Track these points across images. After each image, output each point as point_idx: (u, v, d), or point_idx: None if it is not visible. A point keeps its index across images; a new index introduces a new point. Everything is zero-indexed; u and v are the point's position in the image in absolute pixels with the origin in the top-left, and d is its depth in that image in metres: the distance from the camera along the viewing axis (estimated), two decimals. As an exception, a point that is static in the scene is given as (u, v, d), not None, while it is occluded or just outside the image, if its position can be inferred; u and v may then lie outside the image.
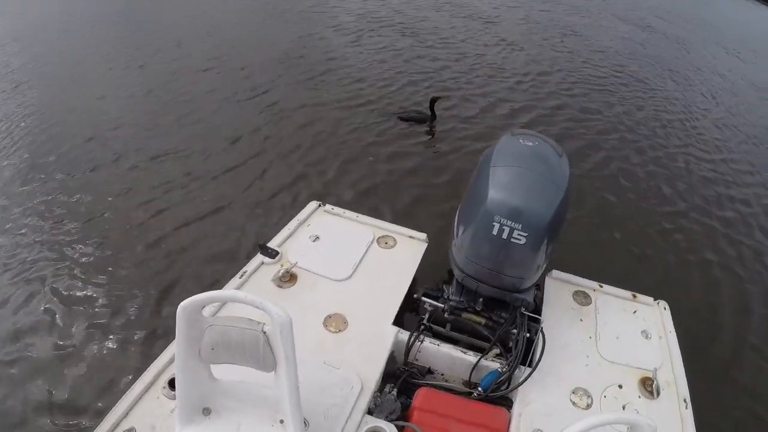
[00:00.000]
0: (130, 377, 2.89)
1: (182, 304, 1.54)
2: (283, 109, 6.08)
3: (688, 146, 6.73)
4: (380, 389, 2.17)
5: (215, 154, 5.17)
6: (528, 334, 2.31)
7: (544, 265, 2.32)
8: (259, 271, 2.52)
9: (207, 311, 2.16)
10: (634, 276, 4.06)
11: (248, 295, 1.57)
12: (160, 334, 3.13)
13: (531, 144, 2.32)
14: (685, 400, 2.28)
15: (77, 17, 9.25)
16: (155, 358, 2.06)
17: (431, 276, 2.71)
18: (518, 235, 2.07)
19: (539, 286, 2.56)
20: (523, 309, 2.33)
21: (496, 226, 2.08)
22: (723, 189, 5.88)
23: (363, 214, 3.01)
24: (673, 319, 2.69)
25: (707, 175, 6.11)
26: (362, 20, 9.22)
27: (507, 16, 10.37)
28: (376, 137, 5.65)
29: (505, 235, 2.08)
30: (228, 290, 1.71)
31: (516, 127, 6.09)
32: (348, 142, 5.49)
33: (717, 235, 5.06)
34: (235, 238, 3.97)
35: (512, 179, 2.14)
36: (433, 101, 6.00)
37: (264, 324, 1.58)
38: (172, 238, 4.04)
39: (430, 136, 5.86)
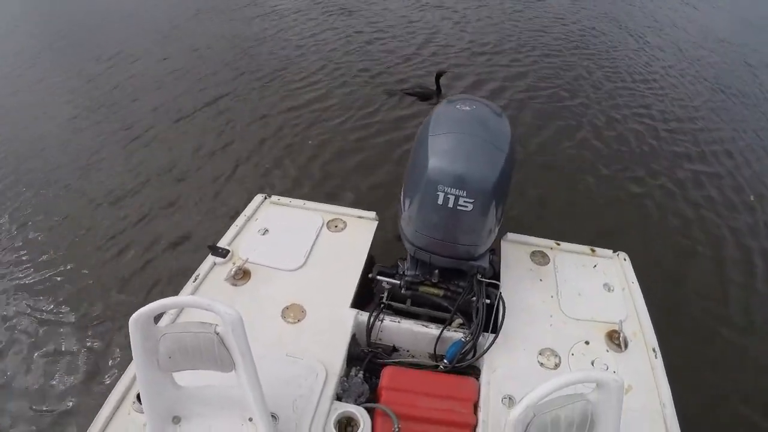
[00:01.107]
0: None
1: (133, 317, 1.52)
2: (228, 112, 6.02)
3: (641, 100, 6.97)
4: (346, 374, 2.14)
5: (158, 157, 5.11)
6: (488, 301, 2.30)
7: (497, 229, 2.30)
8: (212, 272, 2.47)
9: (166, 320, 2.14)
10: (592, 231, 4.13)
11: (195, 299, 1.58)
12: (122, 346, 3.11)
13: (469, 108, 2.27)
14: (654, 349, 2.30)
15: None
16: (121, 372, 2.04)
17: (391, 253, 2.67)
18: (464, 202, 2.04)
19: (494, 251, 2.54)
20: (479, 276, 2.31)
21: (441, 195, 2.04)
22: (679, 145, 6.11)
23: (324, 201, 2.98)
24: (635, 271, 2.70)
25: (661, 130, 6.34)
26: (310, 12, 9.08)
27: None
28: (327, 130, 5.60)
29: (451, 204, 2.05)
30: (176, 297, 1.66)
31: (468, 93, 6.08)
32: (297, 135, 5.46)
33: (673, 188, 5.26)
34: (186, 242, 3.93)
35: (452, 146, 2.09)
36: (438, 75, 6.00)
37: (216, 325, 1.57)
38: (121, 249, 3.99)
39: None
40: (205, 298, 1.55)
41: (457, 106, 2.30)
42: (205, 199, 4.44)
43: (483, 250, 2.29)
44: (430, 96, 6.05)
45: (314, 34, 7.91)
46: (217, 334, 1.56)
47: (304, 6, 9.08)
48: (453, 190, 2.02)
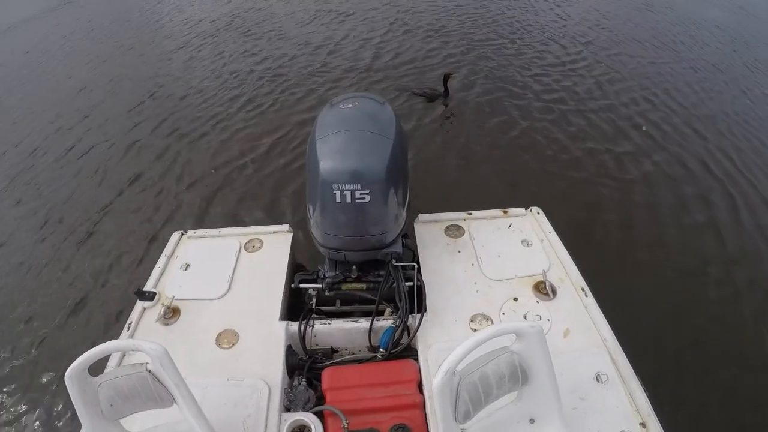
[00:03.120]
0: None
1: (67, 373, 1.55)
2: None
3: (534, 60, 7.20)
4: (290, 385, 2.19)
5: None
6: (411, 283, 2.38)
7: (404, 213, 2.38)
8: (144, 316, 2.47)
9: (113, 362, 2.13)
10: (503, 196, 4.27)
11: (119, 342, 1.65)
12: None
13: (351, 105, 2.36)
14: (582, 289, 2.42)
15: None
16: None
17: (320, 257, 2.72)
18: (361, 194, 2.12)
19: (407, 235, 2.61)
20: (394, 261, 2.38)
21: (337, 193, 2.11)
22: (577, 103, 6.36)
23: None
24: (551, 221, 2.82)
25: (556, 89, 6.61)
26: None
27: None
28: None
29: (349, 199, 2.12)
30: (101, 345, 1.67)
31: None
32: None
33: (574, 142, 5.51)
34: (115, 290, 3.88)
35: (339, 145, 2.18)
36: (446, 77, 6.02)
37: (147, 363, 1.62)
38: (45, 306, 3.91)
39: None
40: (128, 340, 1.58)
41: (340, 106, 2.38)
42: (123, 246, 4.39)
43: (393, 237, 2.36)
44: (437, 97, 6.11)
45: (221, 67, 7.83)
46: (149, 371, 1.61)
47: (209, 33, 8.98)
48: (347, 186, 2.10)
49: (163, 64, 7.87)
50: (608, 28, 8.54)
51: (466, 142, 5.48)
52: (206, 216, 4.45)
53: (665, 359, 3.25)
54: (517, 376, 1.71)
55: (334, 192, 2.11)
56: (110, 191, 5.09)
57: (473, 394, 1.61)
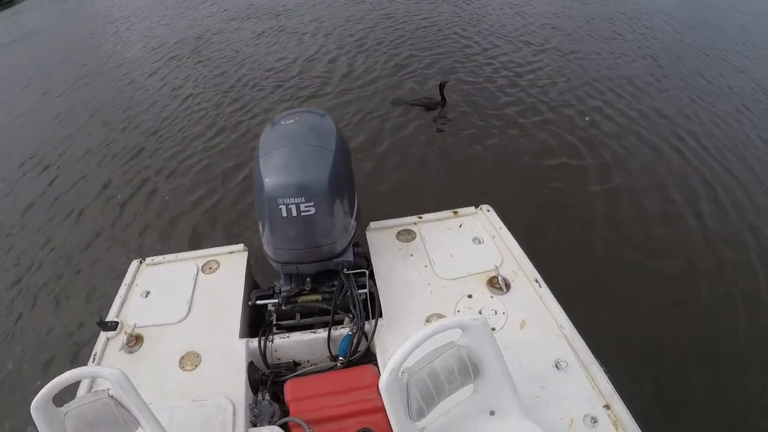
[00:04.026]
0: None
1: (32, 405, 1.56)
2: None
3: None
4: (254, 401, 2.20)
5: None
6: (365, 290, 2.41)
7: (353, 222, 2.42)
8: (108, 346, 2.47)
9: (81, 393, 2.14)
10: (453, 198, 4.32)
11: (80, 370, 1.64)
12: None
13: (292, 121, 2.40)
14: (536, 281, 2.46)
15: None
16: None
17: (272, 276, 2.74)
18: (306, 207, 2.15)
19: (359, 243, 2.65)
20: (345, 270, 2.41)
21: (283, 207, 2.15)
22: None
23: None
24: (501, 218, 2.86)
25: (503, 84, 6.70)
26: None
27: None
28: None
29: (294, 213, 2.16)
30: (63, 374, 1.68)
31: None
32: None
33: (519, 139, 5.62)
34: (78, 325, 3.90)
35: (280, 160, 2.21)
36: (442, 86, 6.00)
37: (108, 389, 1.63)
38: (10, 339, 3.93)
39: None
40: (86, 367, 1.60)
41: (282, 123, 2.42)
42: (82, 279, 4.38)
43: (343, 246, 2.40)
44: (435, 106, 6.11)
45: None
46: (111, 396, 1.63)
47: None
48: (292, 200, 2.14)
49: (121, 92, 7.83)
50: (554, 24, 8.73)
51: (424, 149, 5.55)
52: (165, 242, 4.45)
53: (624, 341, 3.30)
54: (468, 370, 1.73)
55: (280, 207, 2.14)
56: (64, 227, 5.08)
57: (424, 391, 1.64)
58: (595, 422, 1.91)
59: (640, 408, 2.06)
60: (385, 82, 6.92)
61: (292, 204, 2.14)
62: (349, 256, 2.44)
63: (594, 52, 7.67)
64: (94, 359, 2.40)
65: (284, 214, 2.15)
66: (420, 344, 1.59)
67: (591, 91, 6.57)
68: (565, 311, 2.33)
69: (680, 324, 3.56)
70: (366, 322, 2.33)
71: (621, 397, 1.99)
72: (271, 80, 7.32)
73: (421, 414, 1.65)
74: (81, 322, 3.92)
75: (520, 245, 2.67)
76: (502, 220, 2.84)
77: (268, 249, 2.38)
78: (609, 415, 1.93)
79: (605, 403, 1.97)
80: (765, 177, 5.06)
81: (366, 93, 6.70)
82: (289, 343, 2.38)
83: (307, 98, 6.69)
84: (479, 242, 2.71)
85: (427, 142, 5.65)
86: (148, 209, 5.01)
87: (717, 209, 4.63)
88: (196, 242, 4.33)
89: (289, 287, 2.46)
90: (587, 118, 5.94)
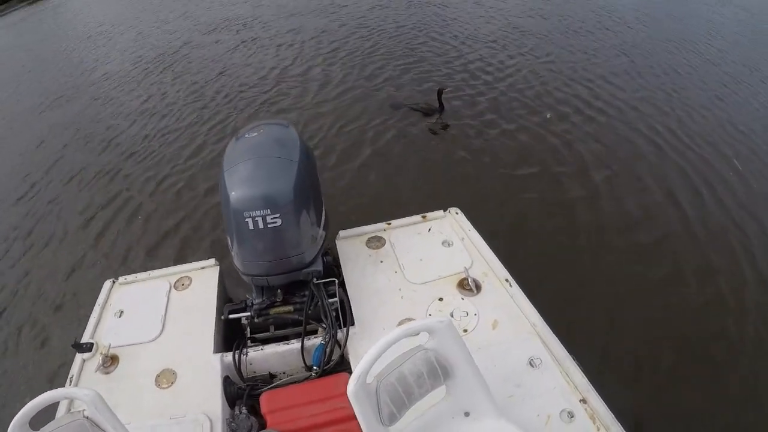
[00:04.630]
0: None
1: (9, 429, 1.55)
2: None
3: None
4: (232, 415, 2.19)
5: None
6: (336, 299, 2.41)
7: (321, 231, 2.43)
8: (84, 368, 2.44)
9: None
10: (422, 202, 4.34)
11: (53, 393, 1.62)
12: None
13: (256, 134, 2.41)
14: (506, 280, 2.46)
15: None
16: None
17: (244, 289, 2.74)
18: (272, 219, 2.15)
19: (328, 252, 2.65)
20: (315, 280, 2.41)
21: (249, 221, 2.15)
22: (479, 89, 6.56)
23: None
24: (471, 220, 2.86)
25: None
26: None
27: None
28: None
29: (261, 225, 2.16)
30: (37, 398, 1.67)
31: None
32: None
33: (493, 142, 5.68)
34: (54, 348, 3.87)
35: (245, 173, 2.22)
36: (439, 92, 5.99)
37: (83, 410, 1.62)
38: None
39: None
40: (60, 389, 1.59)
41: (246, 136, 2.42)
42: (54, 300, 4.37)
43: (312, 256, 2.40)
44: (433, 112, 6.11)
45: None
46: (87, 417, 1.62)
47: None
48: (258, 212, 2.14)
49: (96, 111, 7.79)
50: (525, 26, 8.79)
51: (401, 157, 5.59)
52: (137, 260, 4.46)
53: (597, 335, 3.37)
54: (437, 372, 1.74)
55: (246, 220, 2.15)
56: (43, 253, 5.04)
57: (394, 396, 1.64)
58: (572, 417, 1.92)
59: (618, 404, 2.05)
60: (362, 91, 6.95)
61: (258, 216, 2.14)
62: (319, 266, 2.44)
63: (567, 52, 7.78)
64: (70, 381, 2.37)
65: (251, 226, 2.16)
66: (385, 350, 1.60)
67: (566, 90, 6.67)
68: (539, 310, 2.33)
69: (663, 317, 3.62)
70: (338, 330, 2.33)
71: (597, 391, 1.99)
72: (248, 94, 7.33)
73: (393, 419, 1.66)
74: (59, 344, 3.89)
75: (490, 246, 2.68)
76: (471, 222, 2.85)
77: (237, 262, 2.37)
78: (586, 409, 1.94)
79: (581, 398, 1.97)
80: (747, 169, 5.14)
81: (344, 102, 6.75)
82: (263, 356, 2.37)
83: (283, 110, 6.71)
84: (448, 245, 2.71)
85: (403, 150, 5.69)
86: (125, 230, 4.99)
87: (696, 200, 4.70)
88: (171, 260, 4.32)
89: (260, 300, 2.45)
90: (549, 116, 6.05)
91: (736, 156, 5.32)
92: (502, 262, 2.58)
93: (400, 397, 1.66)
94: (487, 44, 8.13)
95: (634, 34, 8.38)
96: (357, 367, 1.57)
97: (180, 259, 4.23)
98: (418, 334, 1.76)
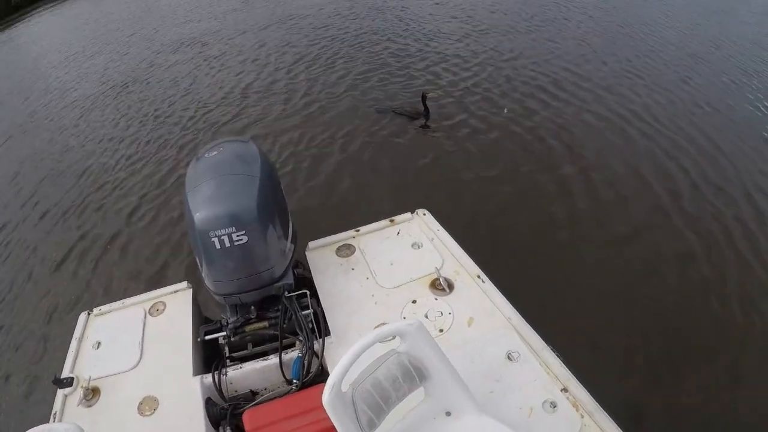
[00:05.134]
0: None
1: None
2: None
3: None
4: None
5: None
6: (310, 310, 2.41)
7: (289, 244, 2.43)
8: (67, 403, 2.41)
9: None
10: (392, 206, 4.34)
11: (36, 430, 1.61)
12: None
13: (215, 153, 2.40)
14: (478, 276, 2.48)
15: None
16: None
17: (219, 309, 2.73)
18: (238, 236, 2.15)
19: (298, 265, 2.67)
20: (287, 293, 2.41)
21: (215, 240, 2.14)
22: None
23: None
24: (439, 220, 2.89)
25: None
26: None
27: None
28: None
29: (228, 243, 2.15)
30: None
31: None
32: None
33: (447, 140, 5.75)
34: (36, 386, 3.81)
35: (207, 193, 2.21)
36: (424, 97, 5.98)
37: None
38: None
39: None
40: (43, 425, 1.57)
41: (206, 156, 2.42)
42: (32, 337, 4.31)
43: (282, 270, 2.40)
44: (418, 116, 6.11)
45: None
46: None
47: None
48: (222, 231, 2.14)
49: (56, 142, 7.68)
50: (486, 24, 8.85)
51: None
52: (110, 291, 4.40)
53: (572, 325, 3.36)
54: (412, 375, 1.75)
55: (212, 239, 2.14)
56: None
57: (371, 402, 1.65)
58: (555, 407, 1.93)
59: (605, 392, 2.07)
60: (326, 102, 6.95)
61: (224, 235, 2.14)
62: (290, 279, 2.44)
63: (530, 47, 7.85)
64: (54, 418, 2.35)
65: (218, 246, 2.15)
66: (357, 357, 1.60)
67: (533, 83, 6.75)
68: (514, 303, 2.35)
69: (643, 303, 3.66)
70: (315, 341, 2.33)
71: (578, 379, 2.01)
72: (214, 114, 7.26)
73: (372, 425, 1.66)
74: (41, 383, 3.84)
75: (460, 244, 2.70)
76: (441, 222, 2.87)
77: (208, 283, 2.37)
78: (568, 398, 1.96)
79: (562, 387, 1.99)
80: (724, 146, 5.23)
81: (311, 113, 6.75)
82: (243, 374, 2.36)
83: (250, 125, 6.68)
84: (418, 247, 2.73)
85: (371, 156, 5.68)
86: (94, 259, 4.93)
87: (669, 184, 4.76)
88: (149, 286, 4.25)
89: (235, 318, 2.45)
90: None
91: (705, 136, 5.41)
92: (474, 259, 2.60)
93: (377, 403, 1.66)
94: (453, 43, 8.20)
95: (594, 23, 8.47)
96: (330, 377, 1.57)
97: (157, 284, 4.19)
98: (392, 338, 1.77)
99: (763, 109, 6.05)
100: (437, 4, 10.04)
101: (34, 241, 5.53)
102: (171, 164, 6.22)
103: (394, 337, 1.77)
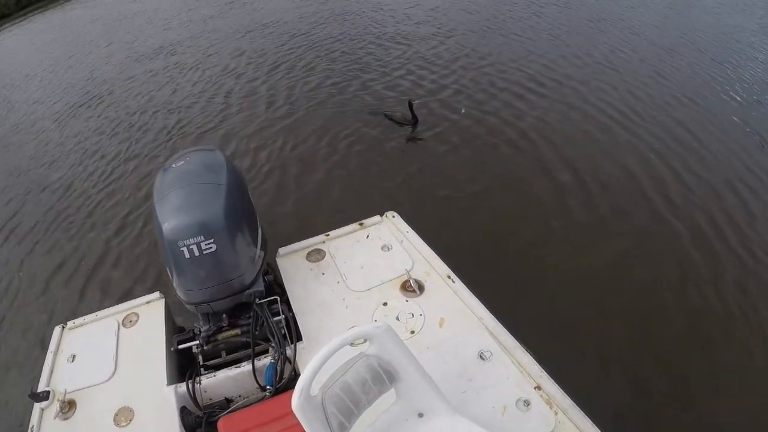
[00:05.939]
0: None
1: None
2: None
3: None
4: None
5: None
6: (281, 316, 2.43)
7: (259, 251, 2.44)
8: (44, 417, 2.41)
9: None
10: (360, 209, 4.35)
11: None
12: None
13: (182, 163, 2.41)
14: (449, 277, 2.50)
15: None
16: None
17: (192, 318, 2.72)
18: (206, 245, 2.16)
19: (269, 271, 2.67)
20: (257, 300, 2.42)
21: (184, 249, 2.15)
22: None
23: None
24: (408, 222, 2.91)
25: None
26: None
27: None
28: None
29: (197, 252, 2.16)
30: None
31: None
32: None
33: (425, 142, 5.77)
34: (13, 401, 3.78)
35: (175, 203, 2.22)
36: (410, 104, 5.95)
37: None
38: None
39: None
40: None
41: (173, 166, 2.43)
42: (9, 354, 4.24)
43: (252, 277, 2.41)
44: (406, 123, 6.08)
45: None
46: None
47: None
48: (191, 240, 2.14)
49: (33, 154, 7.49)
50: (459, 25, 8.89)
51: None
52: (84, 303, 4.35)
53: (545, 323, 3.38)
54: (381, 378, 1.75)
55: (182, 249, 2.15)
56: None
57: (341, 406, 1.66)
58: (528, 405, 1.95)
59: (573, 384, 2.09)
60: (305, 111, 6.90)
61: (192, 244, 2.14)
62: (260, 286, 2.46)
63: (506, 47, 7.87)
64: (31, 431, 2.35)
65: (187, 255, 2.16)
66: (325, 361, 1.61)
67: (511, 80, 6.78)
68: (486, 304, 2.36)
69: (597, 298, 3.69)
70: (287, 347, 2.34)
71: (551, 376, 2.03)
72: (192, 126, 7.12)
73: (343, 428, 1.67)
74: (16, 399, 3.81)
75: (430, 246, 2.72)
76: (412, 224, 2.89)
77: (179, 292, 2.37)
78: (541, 395, 1.97)
79: (536, 385, 2.01)
80: (698, 138, 5.28)
81: (290, 121, 6.69)
82: (216, 382, 2.37)
83: (227, 135, 6.59)
84: (388, 249, 2.74)
85: (344, 161, 5.66)
86: (66, 274, 4.85)
87: (652, 175, 4.81)
88: (117, 299, 4.21)
89: (207, 327, 2.46)
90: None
91: (684, 127, 5.46)
92: (445, 261, 2.62)
93: (347, 406, 1.67)
94: (431, 47, 8.16)
95: (564, 16, 8.58)
96: (298, 382, 1.58)
97: (131, 296, 4.16)
98: (362, 341, 1.78)
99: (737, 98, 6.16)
100: (413, 5, 10.04)
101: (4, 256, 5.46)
102: (141, 176, 6.13)
103: (364, 341, 1.78)
